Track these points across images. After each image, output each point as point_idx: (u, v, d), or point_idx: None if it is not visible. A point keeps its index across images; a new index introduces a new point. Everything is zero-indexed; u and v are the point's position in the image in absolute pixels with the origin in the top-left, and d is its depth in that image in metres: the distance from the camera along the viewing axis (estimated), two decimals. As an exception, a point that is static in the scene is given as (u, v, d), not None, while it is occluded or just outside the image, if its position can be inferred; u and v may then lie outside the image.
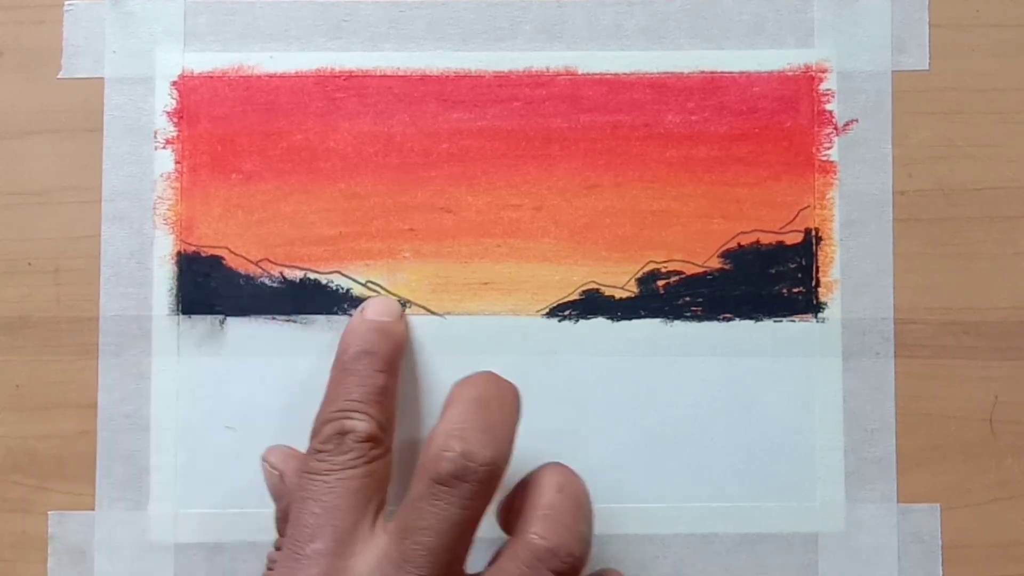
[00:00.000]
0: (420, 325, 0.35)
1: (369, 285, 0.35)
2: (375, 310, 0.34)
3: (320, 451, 0.30)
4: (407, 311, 0.35)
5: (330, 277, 0.35)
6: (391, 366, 0.32)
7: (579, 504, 0.30)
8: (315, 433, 0.31)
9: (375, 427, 0.31)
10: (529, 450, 0.35)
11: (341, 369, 0.32)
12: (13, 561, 0.35)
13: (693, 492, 0.35)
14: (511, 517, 0.30)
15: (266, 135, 0.36)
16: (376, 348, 0.32)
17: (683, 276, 0.36)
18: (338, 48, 0.36)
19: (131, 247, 0.35)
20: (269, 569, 0.31)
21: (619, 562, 0.35)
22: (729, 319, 0.35)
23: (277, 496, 0.32)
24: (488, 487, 0.29)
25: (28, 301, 0.35)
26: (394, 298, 0.35)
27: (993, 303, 0.36)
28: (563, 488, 0.30)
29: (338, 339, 0.34)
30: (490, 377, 0.31)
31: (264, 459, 0.33)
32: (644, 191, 0.36)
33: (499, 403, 0.30)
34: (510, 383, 0.31)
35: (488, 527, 0.30)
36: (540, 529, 0.29)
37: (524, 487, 0.30)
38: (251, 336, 0.35)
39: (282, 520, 0.31)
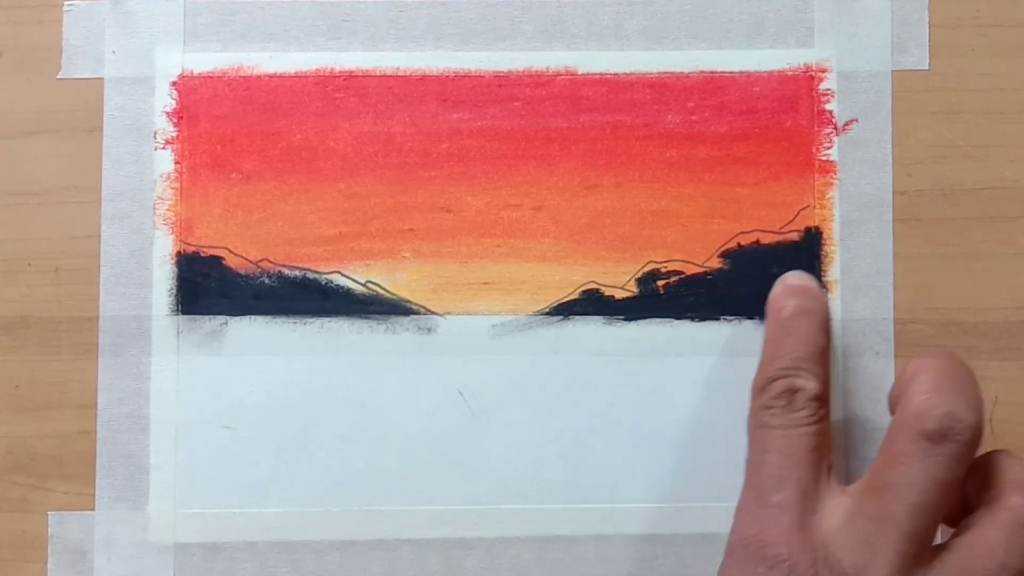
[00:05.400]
0: (420, 325, 0.35)
1: (369, 285, 0.35)
2: (799, 276, 0.34)
3: (771, 407, 0.31)
4: (409, 315, 0.35)
5: (330, 277, 0.35)
6: (828, 328, 0.33)
7: None
8: (761, 388, 0.32)
9: (821, 387, 0.31)
10: (528, 450, 0.35)
11: (782, 327, 0.32)
12: (13, 561, 0.35)
13: (693, 492, 0.35)
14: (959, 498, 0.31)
15: (266, 135, 0.36)
16: (812, 308, 0.33)
17: (683, 276, 0.36)
18: (338, 48, 0.36)
19: (131, 247, 0.35)
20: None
21: (619, 562, 0.35)
22: (729, 319, 0.35)
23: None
24: (969, 451, 0.29)
25: (28, 301, 0.35)
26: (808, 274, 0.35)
27: (993, 303, 0.36)
28: None
29: (336, 339, 0.35)
30: (952, 353, 0.31)
31: None
32: (644, 191, 0.36)
33: (967, 374, 0.30)
34: (965, 362, 0.31)
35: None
36: (1022, 499, 0.29)
37: (978, 467, 0.30)
38: (251, 336, 0.35)
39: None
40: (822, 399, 0.31)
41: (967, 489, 0.31)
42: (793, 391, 0.31)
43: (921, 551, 0.29)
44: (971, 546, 0.29)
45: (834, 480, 0.31)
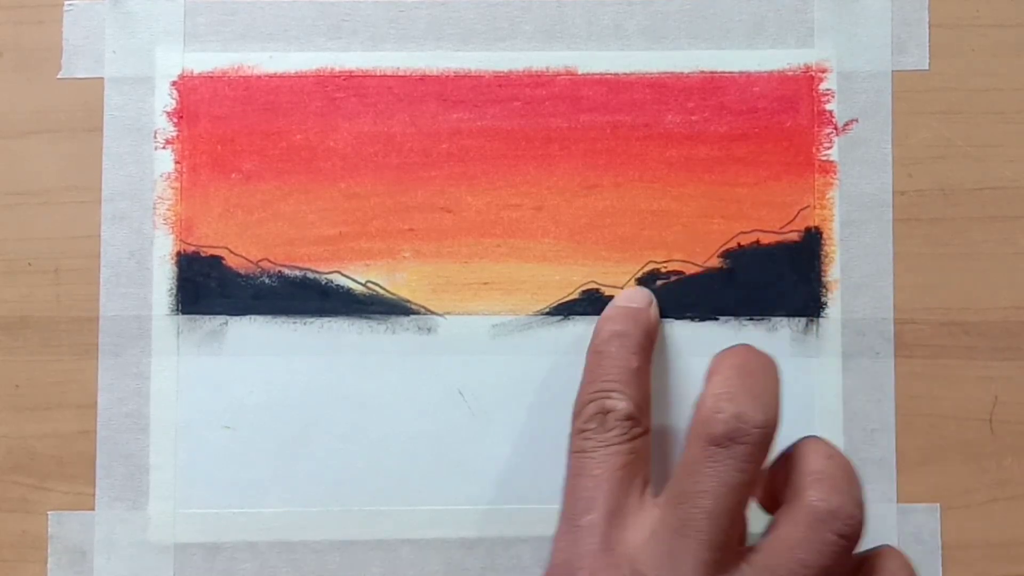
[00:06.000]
0: (420, 325, 0.35)
1: (369, 285, 0.35)
2: (625, 297, 0.34)
3: (584, 430, 0.31)
4: (408, 314, 0.35)
5: (330, 277, 0.35)
6: (643, 349, 0.33)
7: (850, 470, 0.29)
8: (577, 413, 0.32)
9: (633, 406, 0.31)
10: (528, 449, 0.35)
11: (596, 352, 0.33)
12: (13, 561, 0.35)
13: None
14: (772, 493, 0.30)
15: (266, 135, 0.36)
16: (628, 331, 0.33)
17: (683, 276, 0.36)
18: (338, 48, 0.36)
19: (131, 247, 0.35)
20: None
21: (619, 562, 0.35)
22: (729, 319, 0.35)
23: None
24: (761, 450, 0.29)
25: (28, 301, 0.35)
26: (645, 288, 0.35)
27: (993, 303, 0.36)
28: (831, 456, 0.29)
29: (336, 339, 0.35)
30: (749, 348, 0.31)
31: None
32: (644, 191, 0.36)
33: (762, 370, 0.30)
34: (767, 354, 0.31)
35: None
36: (817, 493, 0.28)
37: (785, 460, 0.30)
38: (251, 336, 0.35)
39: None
40: (635, 418, 0.31)
41: (776, 483, 0.30)
42: (605, 412, 0.31)
43: (724, 556, 0.28)
44: (773, 545, 0.28)
45: (648, 495, 0.30)
